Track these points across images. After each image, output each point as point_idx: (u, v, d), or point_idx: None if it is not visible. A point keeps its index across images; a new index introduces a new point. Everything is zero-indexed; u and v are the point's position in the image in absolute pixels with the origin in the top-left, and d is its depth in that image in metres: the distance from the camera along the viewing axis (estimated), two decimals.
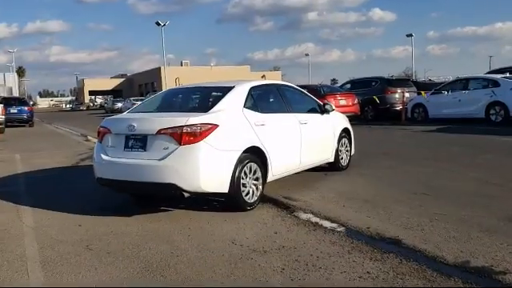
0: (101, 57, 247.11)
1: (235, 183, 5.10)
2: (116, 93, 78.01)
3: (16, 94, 52.29)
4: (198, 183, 4.85)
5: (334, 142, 7.31)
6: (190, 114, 5.13)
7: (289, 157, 6.14)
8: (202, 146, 4.86)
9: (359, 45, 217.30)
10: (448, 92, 15.62)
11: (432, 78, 30.00)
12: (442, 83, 18.48)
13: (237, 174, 5.10)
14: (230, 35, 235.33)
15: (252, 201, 5.35)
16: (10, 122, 24.60)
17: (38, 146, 14.05)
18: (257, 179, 5.46)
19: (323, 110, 7.10)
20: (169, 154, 4.85)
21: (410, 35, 56.99)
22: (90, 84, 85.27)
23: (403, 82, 19.39)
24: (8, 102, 25.63)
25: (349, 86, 19.74)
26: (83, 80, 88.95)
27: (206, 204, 5.56)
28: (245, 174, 5.26)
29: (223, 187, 5.04)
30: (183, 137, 4.84)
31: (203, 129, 4.90)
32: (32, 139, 17.20)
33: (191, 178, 4.83)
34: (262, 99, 6.20)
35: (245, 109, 5.53)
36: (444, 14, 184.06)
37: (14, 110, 25.27)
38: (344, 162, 7.66)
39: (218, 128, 5.00)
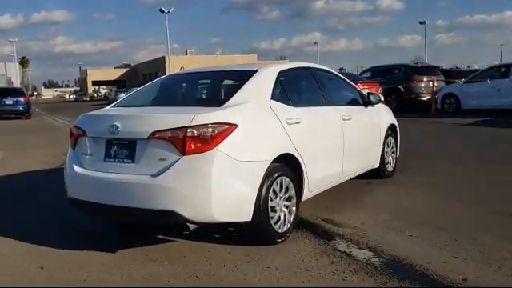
0: (105, 47, 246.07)
1: (261, 207, 3.57)
2: (120, 83, 76.44)
3: (18, 84, 50.94)
4: (210, 211, 3.33)
5: (380, 142, 5.76)
6: (198, 110, 3.59)
7: (330, 165, 4.59)
8: (215, 156, 3.33)
9: (366, 34, 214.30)
10: (485, 80, 13.93)
11: (459, 66, 28.23)
12: (472, 71, 16.81)
13: (263, 193, 3.58)
14: (235, 24, 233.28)
15: (283, 230, 3.82)
16: (6, 113, 23.31)
17: (28, 142, 12.59)
18: (289, 199, 3.93)
19: (367, 102, 5.53)
20: (167, 168, 3.33)
21: (423, 22, 54.84)
22: (93, 74, 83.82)
23: (430, 69, 17.71)
24: (2, 92, 24.20)
25: (369, 74, 18.10)
26: (86, 70, 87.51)
27: (219, 231, 4.04)
28: (274, 192, 3.73)
29: (245, 214, 3.51)
30: (187, 143, 3.31)
31: (216, 131, 3.37)
32: (24, 134, 15.74)
33: (199, 203, 3.31)
34: (294, 88, 4.64)
35: (273, 101, 3.98)
36: (452, 3, 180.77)
37: (9, 102, 23.85)
38: (390, 167, 6.12)
39: (237, 129, 3.46)
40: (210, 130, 3.34)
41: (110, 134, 3.58)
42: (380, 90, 14.96)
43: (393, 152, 6.22)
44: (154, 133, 3.39)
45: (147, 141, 3.43)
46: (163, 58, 63.09)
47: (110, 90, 68.79)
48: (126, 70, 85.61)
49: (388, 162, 6.06)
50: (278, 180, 3.77)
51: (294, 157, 3.96)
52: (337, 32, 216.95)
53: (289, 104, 4.16)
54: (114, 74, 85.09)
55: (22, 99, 24.44)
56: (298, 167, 4.03)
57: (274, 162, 3.69)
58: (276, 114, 3.90)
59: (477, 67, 25.40)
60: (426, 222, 4.24)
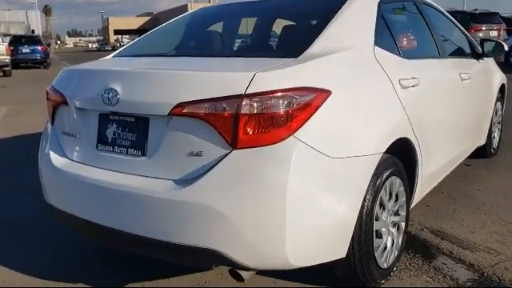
0: None
1: (363, 234, 2.06)
2: (142, 32, 73.91)
3: (40, 32, 49.57)
4: (282, 252, 1.80)
5: (491, 109, 4.13)
6: (258, 64, 2.01)
7: (446, 150, 3.02)
8: (294, 150, 1.78)
9: None
10: None
11: None
12: None
13: (367, 210, 2.05)
14: None
15: (389, 263, 2.33)
16: (24, 62, 22.14)
17: (39, 95, 11.19)
18: (398, 211, 2.41)
19: (479, 53, 3.84)
20: (203, 172, 1.81)
21: None
22: (115, 23, 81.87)
23: (490, 16, 15.46)
24: (19, 40, 22.88)
25: None
26: (108, 19, 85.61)
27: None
28: (381, 204, 2.21)
29: (338, 249, 2.00)
30: (242, 125, 1.77)
31: (296, 104, 1.80)
32: (37, 85, 14.35)
33: (264, 238, 1.79)
34: (401, 29, 2.93)
35: (377, 49, 2.36)
36: None
37: (26, 50, 22.65)
38: (495, 143, 4.51)
39: (329, 100, 1.89)
40: (283, 101, 1.78)
41: (104, 105, 2.06)
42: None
43: (499, 122, 4.59)
44: (179, 106, 1.85)
45: (168, 119, 1.91)
46: (185, 5, 60.80)
47: (132, 39, 67.00)
48: (148, 18, 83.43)
49: (494, 137, 4.45)
50: (388, 183, 2.23)
51: (410, 142, 2.39)
52: None
53: (398, 55, 2.55)
54: (136, 22, 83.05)
55: (39, 48, 23.18)
56: (412, 158, 2.48)
57: (385, 153, 2.14)
58: (385, 72, 2.29)
59: None
60: None
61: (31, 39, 24.05)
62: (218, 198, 1.78)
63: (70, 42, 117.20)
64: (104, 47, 66.77)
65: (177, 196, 1.84)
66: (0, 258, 2.73)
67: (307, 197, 1.81)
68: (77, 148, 2.28)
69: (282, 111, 1.77)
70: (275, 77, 1.82)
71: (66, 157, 2.31)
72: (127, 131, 2.08)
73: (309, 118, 1.81)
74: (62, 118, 2.38)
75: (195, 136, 1.85)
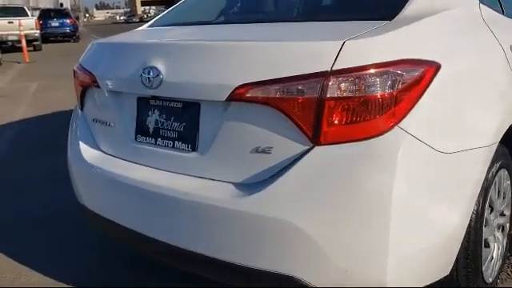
0: None
1: (471, 245, 1.61)
2: (169, 3, 73.61)
3: (68, 6, 49.53)
4: (382, 278, 1.37)
5: None
6: (341, 28, 1.55)
7: None
8: (400, 144, 1.32)
9: None
10: None
11: None
12: None
13: (477, 215, 1.60)
14: None
15: (494, 276, 1.89)
16: (53, 36, 22.05)
17: (69, 69, 10.93)
18: (503, 212, 1.95)
19: None
20: (276, 174, 1.39)
21: None
22: None
23: None
24: (47, 14, 22.75)
25: None
26: None
27: None
28: (489, 206, 1.75)
29: (444, 265, 1.56)
30: (329, 112, 1.33)
31: (401, 81, 1.33)
32: (67, 59, 14.11)
33: (362, 263, 1.35)
34: None
35: (483, 7, 1.85)
36: None
37: (54, 24, 22.54)
38: None
39: (439, 75, 1.40)
40: (384, 79, 1.32)
41: (143, 87, 1.65)
42: None
43: None
44: (241, 88, 1.42)
45: (226, 106, 1.48)
46: None
47: (159, 10, 66.37)
48: None
49: None
50: (497, 178, 1.76)
51: None
52: None
53: (502, 13, 2.02)
54: None
55: (67, 21, 23.02)
56: None
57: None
58: (495, 36, 1.79)
59: None
60: None
61: (60, 12, 23.88)
62: (295, 209, 1.36)
63: (98, 15, 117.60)
64: (131, 19, 66.44)
65: (238, 205, 1.42)
66: (22, 257, 2.41)
67: (416, 207, 1.36)
68: (111, 139, 1.89)
69: (383, 93, 1.31)
70: (371, 46, 1.36)
71: (99, 149, 1.93)
72: (172, 120, 1.67)
73: (417, 102, 1.34)
74: (92, 103, 1.99)
75: (262, 127, 1.42)
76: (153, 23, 2.40)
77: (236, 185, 1.48)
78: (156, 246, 1.66)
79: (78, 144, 1.99)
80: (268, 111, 1.39)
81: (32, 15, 18.82)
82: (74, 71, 2.08)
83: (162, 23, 2.35)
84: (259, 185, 1.42)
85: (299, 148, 1.36)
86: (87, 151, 1.95)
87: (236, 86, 1.42)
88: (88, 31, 32.63)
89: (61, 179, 2.69)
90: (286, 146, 1.38)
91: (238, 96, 1.42)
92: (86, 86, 1.98)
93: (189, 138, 1.61)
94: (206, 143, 1.56)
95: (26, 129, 5.38)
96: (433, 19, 1.55)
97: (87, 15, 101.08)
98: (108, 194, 1.84)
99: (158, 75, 1.59)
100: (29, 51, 14.16)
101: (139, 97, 1.75)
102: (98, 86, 1.88)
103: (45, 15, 22.28)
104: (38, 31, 17.32)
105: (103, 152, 1.91)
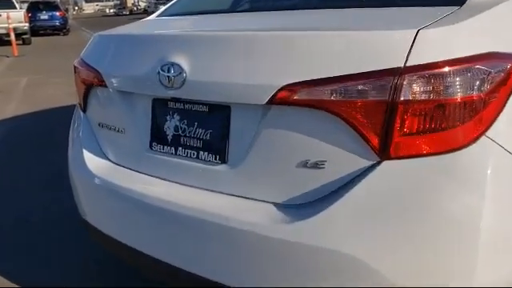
0: None
1: None
2: None
3: None
4: None
5: None
6: (407, 14, 1.30)
7: None
8: (489, 157, 1.07)
9: None
10: None
11: None
12: None
13: None
14: None
15: None
16: (43, 29, 21.58)
17: (61, 63, 10.74)
18: None
19: None
20: (331, 196, 1.13)
21: None
22: None
23: None
24: (36, 7, 22.22)
25: None
26: None
27: None
28: None
29: None
30: (402, 119, 1.07)
31: (489, 81, 1.07)
32: (58, 53, 13.82)
33: None
34: None
35: None
36: None
37: (44, 17, 22.05)
38: None
39: None
40: (470, 78, 1.06)
41: (161, 87, 1.38)
42: None
43: None
44: (286, 89, 1.16)
45: (265, 110, 1.23)
46: None
47: (149, 2, 65.51)
48: None
49: None
50: None
51: None
52: None
53: None
54: None
55: (57, 13, 22.54)
56: None
57: None
58: None
59: None
60: None
61: (49, 5, 23.30)
62: (357, 238, 1.11)
63: (87, 8, 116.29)
64: (121, 12, 65.49)
65: (282, 232, 1.17)
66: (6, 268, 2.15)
67: (507, 233, 1.11)
68: (121, 147, 1.63)
69: (469, 95, 1.06)
70: (450, 37, 1.10)
71: (106, 158, 1.67)
72: (196, 126, 1.41)
73: (504, 105, 1.10)
74: (97, 104, 1.72)
75: (313, 136, 1.17)
76: (163, 12, 2.12)
77: (278, 206, 1.23)
78: (179, 276, 1.41)
79: (82, 152, 1.72)
80: (321, 117, 1.14)
81: (20, 8, 18.33)
82: (75, 67, 1.80)
83: (174, 12, 2.07)
84: (309, 207, 1.17)
85: (362, 162, 1.11)
86: (92, 160, 1.68)
87: (281, 86, 1.16)
88: (78, 24, 32.04)
89: (55, 182, 2.43)
90: (344, 159, 1.13)
91: (282, 98, 1.17)
92: (90, 85, 1.70)
93: (217, 147, 1.36)
94: (239, 154, 1.30)
95: (18, 126, 5.07)
96: (508, 5, 1.30)
97: (76, 8, 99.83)
98: (117, 211, 1.58)
99: (180, 73, 1.33)
100: (18, 45, 13.74)
101: (155, 98, 1.48)
102: (105, 85, 1.61)
103: (33, 8, 21.78)
104: (27, 24, 16.86)
105: (111, 162, 1.65)
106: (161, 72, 1.36)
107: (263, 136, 1.24)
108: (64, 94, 6.64)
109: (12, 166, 3.71)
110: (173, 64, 1.34)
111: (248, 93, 1.23)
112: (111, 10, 76.15)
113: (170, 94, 1.38)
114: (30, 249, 2.41)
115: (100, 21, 40.24)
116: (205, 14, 1.93)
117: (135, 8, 73.82)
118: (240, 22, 1.72)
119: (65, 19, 23.04)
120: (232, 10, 1.94)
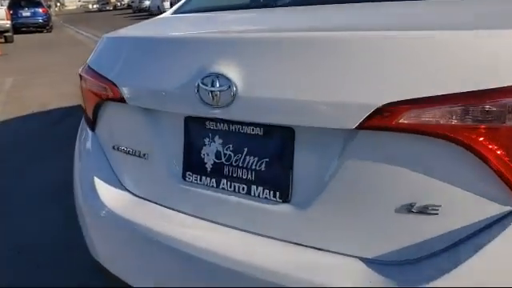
0: None
1: None
2: None
3: None
4: None
5: None
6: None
7: None
8: None
9: None
10: None
11: None
12: None
13: None
14: None
15: None
16: (26, 27, 20.99)
17: (46, 62, 10.35)
18: None
19: None
20: (457, 250, 0.84)
21: None
22: None
23: None
24: (18, 3, 21.54)
25: None
26: None
27: None
28: None
29: None
30: None
31: None
32: (43, 50, 13.35)
33: None
34: None
35: None
36: None
37: (26, 14, 21.44)
38: None
39: None
40: None
41: (200, 104, 1.07)
42: None
43: None
44: (388, 109, 0.85)
45: (351, 136, 0.92)
46: None
47: None
48: None
49: None
50: None
51: None
52: None
53: None
54: None
55: (40, 10, 21.93)
56: None
57: None
58: None
59: None
60: None
61: (31, 2, 22.59)
62: None
63: (69, 4, 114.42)
64: (105, 7, 64.29)
65: None
66: None
67: None
68: (144, 176, 1.31)
69: None
70: None
71: (125, 189, 1.35)
72: (245, 153, 1.10)
73: None
74: (111, 123, 1.40)
75: (420, 172, 0.87)
76: (180, 8, 1.79)
77: (369, 263, 0.93)
78: None
79: (93, 180, 1.40)
80: (435, 147, 0.84)
81: (1, 5, 17.74)
82: (81, 76, 1.48)
83: (196, 8, 1.74)
84: (416, 267, 0.87)
85: (497, 208, 0.82)
86: (106, 192, 1.37)
87: (378, 105, 0.86)
88: (61, 21, 31.30)
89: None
90: (469, 203, 0.84)
91: (379, 122, 0.86)
92: (101, 99, 1.38)
93: (276, 181, 1.05)
94: (308, 191, 1.00)
95: (4, 131, 4.70)
96: None
97: (58, 4, 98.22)
98: (141, 256, 1.27)
99: (228, 87, 1.02)
100: (0, 43, 13.23)
101: (187, 116, 1.17)
102: (121, 100, 1.29)
103: (15, 4, 21.06)
104: (9, 22, 16.28)
105: (131, 193, 1.34)
106: (201, 86, 1.05)
107: (346, 169, 0.94)
108: (54, 95, 6.27)
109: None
110: (218, 75, 1.02)
111: (324, 113, 0.92)
112: (94, 6, 74.85)
113: (214, 113, 1.07)
114: None
115: (84, 17, 39.49)
116: (235, 9, 1.60)
117: (119, 3, 72.61)
118: (299, 19, 1.37)
119: (48, 16, 22.41)
120: (270, 3, 1.60)
